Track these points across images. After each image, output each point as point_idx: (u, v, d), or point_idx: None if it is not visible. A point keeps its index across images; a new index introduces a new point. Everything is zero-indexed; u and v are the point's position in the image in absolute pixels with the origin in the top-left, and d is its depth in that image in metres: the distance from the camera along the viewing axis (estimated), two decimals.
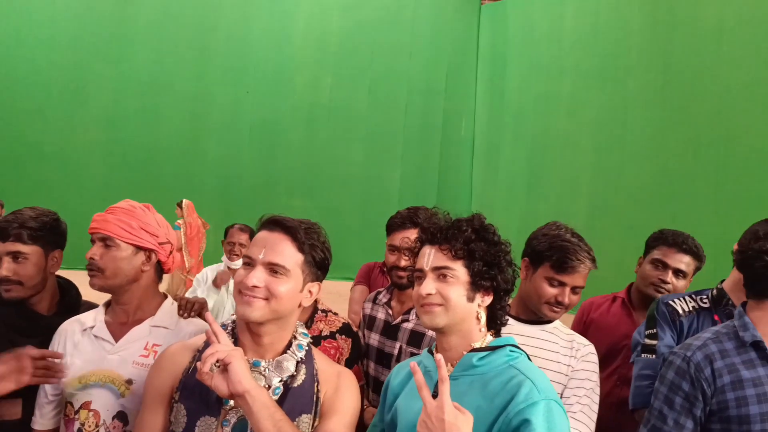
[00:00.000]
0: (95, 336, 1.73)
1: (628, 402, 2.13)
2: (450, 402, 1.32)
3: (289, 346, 1.53)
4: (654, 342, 2.10)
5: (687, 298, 2.17)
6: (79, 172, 9.79)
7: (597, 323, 2.53)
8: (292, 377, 1.49)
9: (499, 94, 11.54)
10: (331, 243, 1.69)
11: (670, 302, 2.16)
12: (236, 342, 1.49)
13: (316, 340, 2.08)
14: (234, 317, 1.54)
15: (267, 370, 1.48)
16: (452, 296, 1.46)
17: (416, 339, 2.24)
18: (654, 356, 2.09)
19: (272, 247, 1.44)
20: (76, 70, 10.06)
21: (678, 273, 2.48)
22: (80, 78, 10.11)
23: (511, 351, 1.51)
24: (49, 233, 1.95)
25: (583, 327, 2.59)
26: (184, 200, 7.85)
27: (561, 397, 1.88)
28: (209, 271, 3.88)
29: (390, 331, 2.35)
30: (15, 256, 1.88)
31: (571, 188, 9.64)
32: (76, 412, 1.71)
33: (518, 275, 1.57)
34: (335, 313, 2.22)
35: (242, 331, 1.49)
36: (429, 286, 1.47)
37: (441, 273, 1.48)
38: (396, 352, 2.28)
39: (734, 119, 7.36)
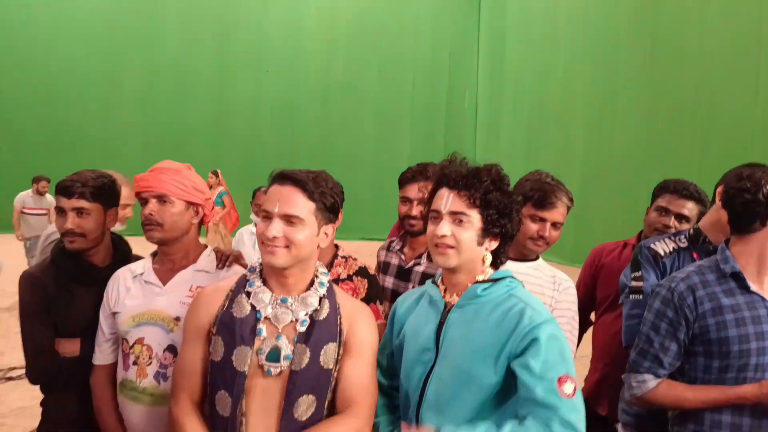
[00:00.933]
0: (145, 281, 1.81)
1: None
2: None
3: (311, 284, 1.57)
4: (640, 284, 2.14)
5: (667, 240, 2.20)
6: (118, 151, 9.93)
7: (608, 268, 2.53)
8: (317, 311, 1.53)
9: (499, 70, 11.49)
10: (346, 210, 1.76)
11: (652, 245, 2.18)
12: (265, 282, 1.55)
13: (334, 283, 2.15)
14: (260, 261, 1.57)
15: (293, 305, 1.52)
16: (465, 240, 1.48)
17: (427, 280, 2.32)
18: (641, 296, 2.13)
19: (286, 200, 1.48)
20: (111, 59, 10.15)
21: (681, 218, 2.47)
22: (115, 66, 10.21)
23: (510, 281, 1.55)
24: (108, 193, 1.98)
25: (594, 270, 2.61)
26: (218, 170, 8.03)
27: None
28: (244, 231, 3.92)
29: (403, 274, 2.43)
30: (79, 211, 1.92)
31: (566, 154, 9.65)
32: (131, 347, 1.79)
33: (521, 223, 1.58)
34: (354, 259, 2.24)
35: (269, 275, 1.54)
36: (445, 228, 1.48)
37: (457, 218, 1.48)
38: None
39: (717, 86, 7.33)
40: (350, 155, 11.58)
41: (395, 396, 1.63)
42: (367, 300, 2.12)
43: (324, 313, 1.53)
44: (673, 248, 2.15)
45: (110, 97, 10.27)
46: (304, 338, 1.49)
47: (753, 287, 1.71)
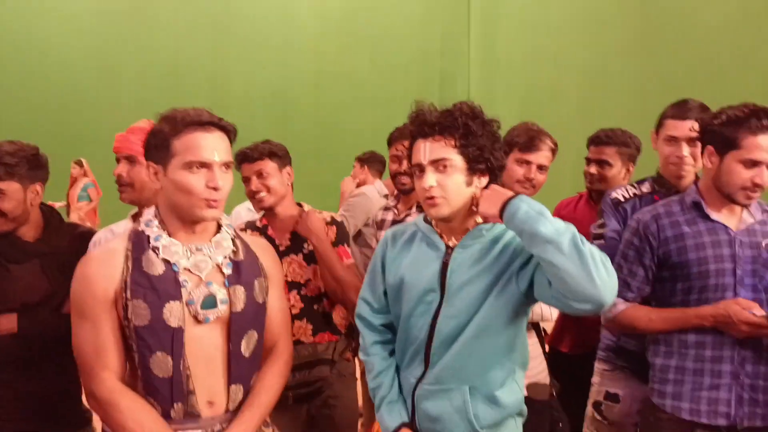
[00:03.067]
0: None
1: None
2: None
3: (219, 229, 1.55)
4: (602, 230, 2.24)
5: (628, 187, 2.32)
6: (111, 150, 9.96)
7: (565, 218, 2.62)
8: (235, 252, 1.52)
9: (491, 52, 11.51)
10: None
11: (613, 194, 2.31)
12: (170, 233, 1.48)
13: None
14: (153, 212, 1.53)
15: (210, 250, 1.49)
16: (452, 186, 1.46)
17: None
18: (603, 241, 2.22)
19: (219, 149, 1.46)
20: (106, 54, 10.17)
21: (601, 163, 2.66)
22: (109, 61, 10.22)
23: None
24: (28, 167, 1.84)
25: None
26: (82, 159, 7.82)
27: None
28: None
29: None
30: None
31: (560, 134, 9.63)
32: None
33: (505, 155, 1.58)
34: (320, 212, 2.34)
35: (175, 225, 1.48)
36: (430, 179, 1.46)
37: (439, 165, 1.46)
38: None
39: (708, 62, 7.37)
40: (345, 144, 11.60)
41: (386, 332, 1.66)
42: (336, 243, 2.26)
43: (242, 253, 1.52)
44: (634, 194, 2.27)
45: (105, 91, 10.30)
46: (235, 279, 1.48)
47: (713, 215, 1.82)
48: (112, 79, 10.33)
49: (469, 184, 1.49)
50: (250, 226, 2.38)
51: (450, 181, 1.46)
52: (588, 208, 2.77)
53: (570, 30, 9.64)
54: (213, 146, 1.44)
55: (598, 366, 2.32)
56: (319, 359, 2.29)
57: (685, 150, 2.17)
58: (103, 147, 10.81)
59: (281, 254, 2.28)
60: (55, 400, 1.93)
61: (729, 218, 1.85)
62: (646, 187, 2.28)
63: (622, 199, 2.27)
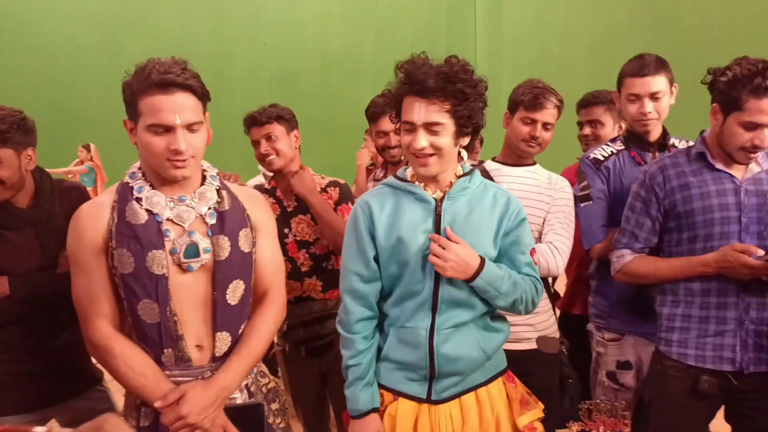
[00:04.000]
0: None
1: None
2: (456, 244, 1.52)
3: (204, 180, 1.56)
4: (587, 191, 2.27)
5: (603, 146, 2.35)
6: (119, 132, 9.95)
7: None
8: (219, 203, 1.53)
9: (497, 27, 11.39)
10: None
11: (590, 155, 2.34)
12: (153, 186, 1.49)
13: None
14: (138, 164, 1.55)
15: (193, 201, 1.50)
16: (444, 146, 1.52)
17: None
18: (590, 202, 2.25)
19: (183, 110, 1.43)
20: (109, 37, 10.15)
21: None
22: (113, 44, 10.20)
23: (479, 174, 1.68)
24: (18, 133, 1.82)
25: None
26: (91, 144, 7.84)
27: (544, 222, 2.15)
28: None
29: None
30: None
31: (567, 109, 9.62)
32: None
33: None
34: (323, 177, 2.43)
35: (157, 179, 1.49)
36: (422, 140, 1.51)
37: (432, 127, 1.50)
38: None
39: (717, 31, 7.26)
40: (351, 123, 11.57)
41: (373, 307, 1.69)
42: (338, 203, 2.35)
43: (227, 204, 1.54)
44: (611, 152, 2.28)
45: (110, 77, 10.23)
46: (219, 229, 1.50)
47: (718, 165, 1.82)
48: (115, 59, 10.29)
49: (456, 144, 1.57)
50: (260, 188, 2.43)
51: (440, 142, 1.52)
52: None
53: (577, 3, 9.51)
54: (175, 108, 1.41)
55: (598, 335, 2.33)
56: (330, 314, 2.34)
57: (648, 106, 2.19)
58: (107, 128, 10.88)
59: (290, 215, 2.36)
60: (60, 357, 1.96)
61: (735, 167, 1.86)
62: (619, 145, 2.31)
63: (602, 158, 2.29)
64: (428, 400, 1.65)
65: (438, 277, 1.58)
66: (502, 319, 1.75)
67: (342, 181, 2.43)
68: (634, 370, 2.26)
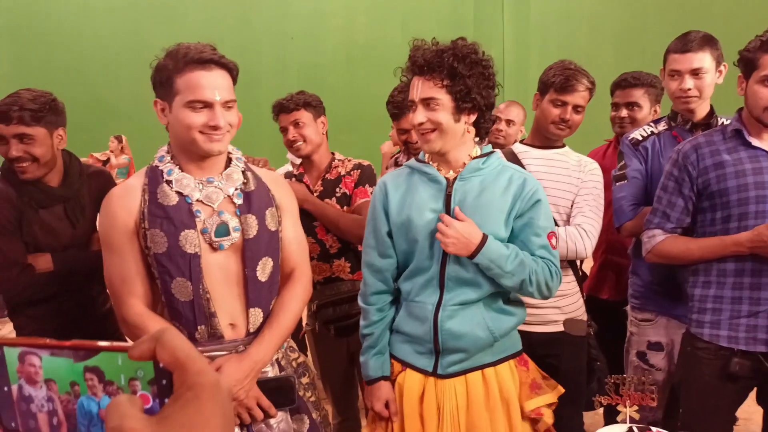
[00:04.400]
0: None
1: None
2: (461, 222, 1.55)
3: (229, 162, 1.62)
4: (623, 171, 2.26)
5: (645, 127, 2.34)
6: (150, 125, 10.10)
7: None
8: (245, 183, 1.58)
9: (524, 17, 11.28)
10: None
11: (631, 135, 2.33)
12: (182, 168, 1.54)
13: (338, 180, 2.40)
14: (166, 148, 1.61)
15: (220, 182, 1.56)
16: (441, 121, 1.57)
17: None
18: (625, 181, 2.24)
19: (221, 87, 1.49)
20: (137, 34, 10.31)
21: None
22: (142, 41, 10.34)
23: (498, 155, 1.70)
24: (50, 113, 1.87)
25: None
26: (122, 135, 7.96)
27: (573, 204, 2.12)
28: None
29: None
30: (20, 137, 1.82)
31: (597, 98, 9.50)
32: None
33: (499, 92, 1.67)
34: (350, 159, 2.48)
35: (187, 160, 1.54)
36: (420, 115, 1.58)
37: (429, 102, 1.57)
38: None
39: (748, 19, 7.09)
40: (376, 117, 11.55)
41: (388, 281, 1.76)
42: (357, 184, 2.40)
43: (252, 184, 1.60)
44: (651, 132, 2.25)
45: (139, 72, 10.36)
46: (246, 208, 1.55)
47: (754, 142, 1.79)
48: (143, 52, 10.43)
49: (457, 120, 1.59)
50: (288, 175, 2.51)
51: (438, 117, 1.56)
52: (617, 155, 2.77)
53: None
54: (214, 85, 1.47)
55: (633, 315, 2.33)
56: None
57: (689, 83, 2.16)
58: (136, 119, 11.06)
59: (318, 198, 2.42)
60: (95, 327, 2.04)
61: None
62: (662, 125, 2.29)
63: (641, 138, 2.28)
64: (434, 374, 1.70)
65: (445, 256, 1.62)
66: (518, 303, 1.77)
67: (366, 163, 2.48)
68: (665, 351, 2.25)
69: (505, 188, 1.64)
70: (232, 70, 1.54)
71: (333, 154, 2.53)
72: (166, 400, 0.41)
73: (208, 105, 1.47)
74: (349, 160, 2.49)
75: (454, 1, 11.84)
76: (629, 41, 8.87)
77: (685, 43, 2.17)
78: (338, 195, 2.43)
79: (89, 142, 9.95)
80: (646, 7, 8.56)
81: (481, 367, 1.71)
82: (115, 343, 0.43)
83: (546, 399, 1.72)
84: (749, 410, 2.04)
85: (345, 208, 2.41)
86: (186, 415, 0.38)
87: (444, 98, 1.56)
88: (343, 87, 11.88)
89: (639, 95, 2.64)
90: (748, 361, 1.82)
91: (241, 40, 11.12)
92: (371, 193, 2.37)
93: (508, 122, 3.09)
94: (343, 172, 2.43)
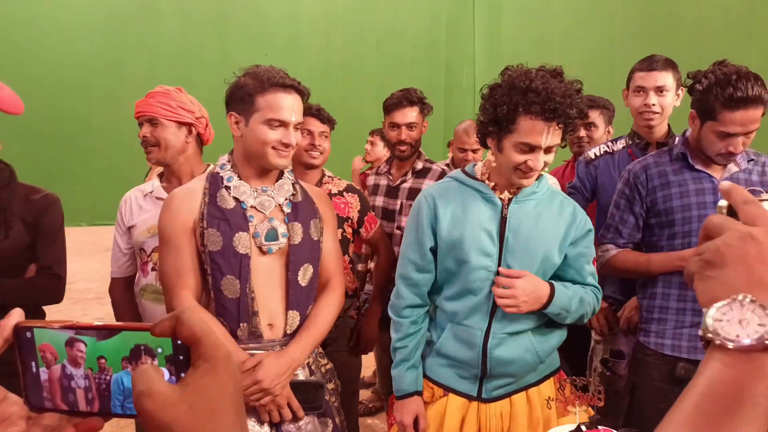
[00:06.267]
0: (156, 198, 2.00)
1: None
2: (519, 279, 1.53)
3: (281, 174, 1.74)
4: (572, 187, 2.46)
5: (602, 146, 2.50)
6: (123, 140, 9.99)
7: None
8: (294, 194, 1.71)
9: (496, 40, 11.50)
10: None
11: (587, 153, 2.51)
12: (240, 176, 1.67)
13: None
14: (227, 157, 1.73)
15: (273, 192, 1.68)
16: (549, 161, 1.58)
17: (414, 194, 2.54)
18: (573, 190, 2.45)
19: (296, 110, 1.63)
20: (113, 48, 10.27)
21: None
22: (117, 55, 10.30)
23: (547, 180, 1.71)
24: None
25: None
26: None
27: None
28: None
29: (391, 192, 2.66)
30: None
31: None
32: (149, 255, 1.97)
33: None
34: (340, 179, 2.52)
35: (246, 169, 1.68)
36: (541, 162, 1.53)
37: (550, 149, 1.54)
38: (398, 207, 2.58)
39: (711, 44, 7.34)
40: (352, 134, 11.63)
41: (423, 296, 1.74)
42: (364, 211, 2.35)
43: (300, 196, 1.72)
44: (605, 151, 2.36)
45: (113, 86, 10.38)
46: (294, 217, 1.67)
47: (697, 166, 1.88)
48: (119, 69, 10.39)
49: None
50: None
51: (551, 159, 1.57)
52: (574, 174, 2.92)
53: (575, 16, 9.62)
54: (291, 107, 1.61)
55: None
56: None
57: (653, 98, 2.29)
58: (107, 134, 10.91)
59: None
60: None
61: (714, 167, 1.95)
62: (620, 144, 2.40)
63: (593, 157, 2.44)
64: (478, 398, 1.68)
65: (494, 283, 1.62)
66: (555, 324, 1.76)
67: (357, 188, 2.51)
68: (627, 359, 2.30)
69: (558, 214, 1.64)
70: (305, 96, 1.68)
71: (323, 170, 2.55)
72: (182, 375, 0.47)
73: (284, 124, 1.61)
74: (339, 179, 2.52)
75: (427, 22, 12.03)
76: (597, 69, 9.10)
77: (650, 63, 2.32)
78: None
79: (59, 155, 9.83)
80: (613, 37, 8.81)
81: (526, 388, 1.71)
82: (137, 323, 0.49)
83: (580, 417, 1.69)
84: None
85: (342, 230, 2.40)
86: (204, 383, 0.45)
87: (560, 141, 1.57)
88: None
89: (595, 116, 2.82)
90: (693, 366, 1.91)
91: (217, 56, 11.11)
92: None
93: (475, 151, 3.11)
94: (334, 191, 2.43)
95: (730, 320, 0.48)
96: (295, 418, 1.61)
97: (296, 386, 1.61)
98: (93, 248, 8.77)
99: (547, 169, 2.03)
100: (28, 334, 0.50)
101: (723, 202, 0.61)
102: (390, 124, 2.69)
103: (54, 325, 0.49)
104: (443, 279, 1.69)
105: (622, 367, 2.33)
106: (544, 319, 1.69)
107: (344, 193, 2.43)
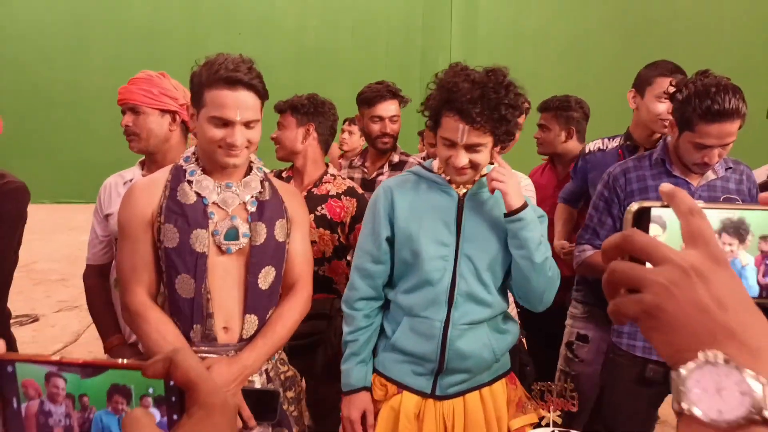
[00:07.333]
0: None
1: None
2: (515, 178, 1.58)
3: (249, 170, 1.66)
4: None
5: (598, 141, 2.54)
6: (87, 116, 9.82)
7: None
8: (261, 193, 1.62)
9: (472, 29, 11.52)
10: None
11: (587, 145, 2.57)
12: (204, 170, 1.59)
13: (324, 198, 2.32)
14: (193, 149, 1.65)
15: (238, 189, 1.60)
16: (481, 161, 1.57)
17: None
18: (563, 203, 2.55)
19: (243, 108, 1.51)
20: (78, 21, 10.00)
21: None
22: (82, 28, 10.04)
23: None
24: None
25: None
26: None
27: None
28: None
29: (367, 185, 2.63)
30: None
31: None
32: None
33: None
34: (343, 178, 2.41)
35: (209, 164, 1.58)
36: (463, 159, 1.54)
37: (473, 147, 1.54)
38: None
39: (683, 41, 7.48)
40: None
41: (378, 288, 1.73)
42: (357, 219, 2.30)
43: (267, 194, 1.64)
44: (598, 148, 2.41)
45: (78, 62, 10.14)
46: (258, 216, 1.60)
47: (675, 172, 1.92)
48: (85, 45, 10.15)
49: (490, 154, 1.61)
50: (277, 174, 2.44)
51: (480, 159, 1.57)
52: (551, 174, 2.98)
53: (550, 9, 9.69)
54: (236, 105, 1.50)
55: (571, 309, 2.43)
56: (316, 313, 2.32)
57: None
58: (71, 109, 10.68)
59: None
60: None
61: (692, 174, 1.96)
62: (615, 142, 2.46)
63: (587, 152, 2.52)
64: (432, 395, 1.68)
65: (455, 271, 1.61)
66: (512, 320, 1.78)
67: (360, 191, 2.38)
68: (592, 345, 2.35)
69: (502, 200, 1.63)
70: (260, 91, 1.56)
71: (326, 165, 2.45)
72: (175, 417, 0.44)
73: (228, 124, 1.51)
74: (342, 179, 2.41)
75: (404, 8, 11.98)
76: (572, 59, 9.22)
77: (672, 71, 2.26)
78: (318, 214, 2.31)
79: (22, 131, 9.55)
80: (588, 30, 8.92)
81: (479, 387, 1.71)
82: (129, 361, 0.46)
83: (530, 418, 1.71)
84: (668, 414, 2.18)
85: (321, 229, 2.30)
86: (199, 431, 0.42)
87: (488, 141, 1.55)
88: (293, 88, 11.67)
89: (547, 118, 2.89)
90: (662, 368, 1.95)
91: (187, 33, 10.91)
92: None
93: None
94: (333, 192, 2.34)
95: (707, 390, 0.41)
96: (246, 427, 1.54)
97: (248, 394, 1.54)
98: (55, 227, 8.53)
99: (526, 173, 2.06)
100: (9, 368, 0.47)
101: (634, 206, 0.51)
102: (372, 117, 2.66)
103: (37, 360, 0.47)
104: (400, 272, 1.68)
105: (584, 351, 2.37)
106: (500, 311, 1.69)
107: (342, 197, 2.33)
